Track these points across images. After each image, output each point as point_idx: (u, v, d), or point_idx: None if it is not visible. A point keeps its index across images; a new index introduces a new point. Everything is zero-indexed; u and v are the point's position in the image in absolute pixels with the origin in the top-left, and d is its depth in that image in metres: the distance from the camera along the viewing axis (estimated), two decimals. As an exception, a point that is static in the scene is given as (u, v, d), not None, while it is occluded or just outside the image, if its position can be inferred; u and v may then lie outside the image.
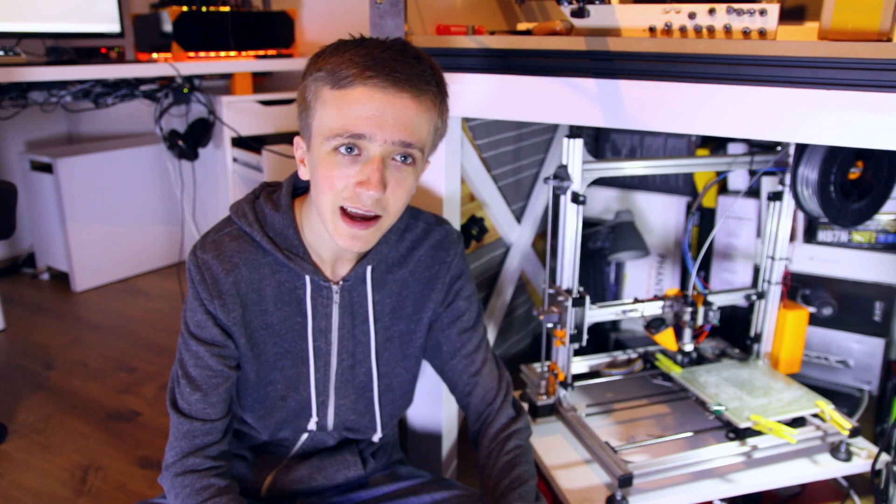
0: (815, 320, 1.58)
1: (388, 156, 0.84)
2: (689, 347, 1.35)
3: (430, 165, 0.94)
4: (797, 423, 1.23)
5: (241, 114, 2.47)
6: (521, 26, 1.35)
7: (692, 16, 0.97)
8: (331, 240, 0.89)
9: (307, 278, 0.95)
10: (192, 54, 2.34)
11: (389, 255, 1.01)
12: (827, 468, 1.21)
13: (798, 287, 1.59)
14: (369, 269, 0.99)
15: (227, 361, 0.94)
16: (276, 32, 2.53)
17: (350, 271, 0.98)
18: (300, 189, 0.98)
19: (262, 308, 0.95)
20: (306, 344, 0.98)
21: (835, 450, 1.23)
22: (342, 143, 0.82)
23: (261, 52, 2.51)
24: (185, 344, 0.93)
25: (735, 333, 1.53)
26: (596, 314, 1.28)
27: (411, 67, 0.82)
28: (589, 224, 1.81)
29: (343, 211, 0.85)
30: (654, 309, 1.33)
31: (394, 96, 0.81)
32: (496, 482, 0.98)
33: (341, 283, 0.97)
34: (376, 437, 1.08)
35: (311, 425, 1.02)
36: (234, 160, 2.48)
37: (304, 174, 0.91)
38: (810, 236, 1.58)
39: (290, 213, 0.94)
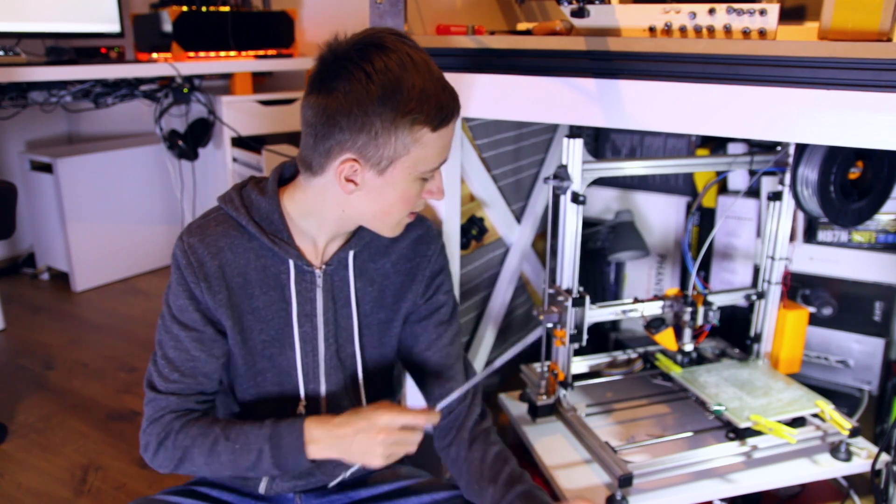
0: (815, 320, 1.58)
1: None
2: (689, 347, 1.35)
3: None
4: (797, 423, 1.23)
5: (241, 114, 2.47)
6: (521, 26, 1.35)
7: (692, 16, 0.97)
8: (323, 225, 0.95)
9: (291, 263, 0.97)
10: (192, 54, 2.34)
11: (372, 243, 1.03)
12: (827, 468, 1.21)
13: (798, 287, 1.59)
14: (351, 253, 1.01)
15: (205, 347, 0.96)
16: (276, 32, 2.53)
17: (332, 256, 1.00)
18: (286, 179, 1.00)
19: (248, 292, 0.96)
20: (292, 330, 0.99)
21: (835, 450, 1.23)
22: (433, 173, 0.92)
23: (261, 52, 2.51)
24: (166, 326, 0.96)
25: (735, 333, 1.53)
26: (596, 314, 1.28)
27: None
28: (589, 224, 1.81)
29: None
30: (654, 309, 1.33)
31: None
32: (494, 472, 0.99)
33: (324, 267, 0.99)
34: None
35: (301, 410, 1.03)
36: (234, 160, 2.48)
37: (350, 190, 0.89)
38: (810, 236, 1.58)
39: (277, 198, 0.96)
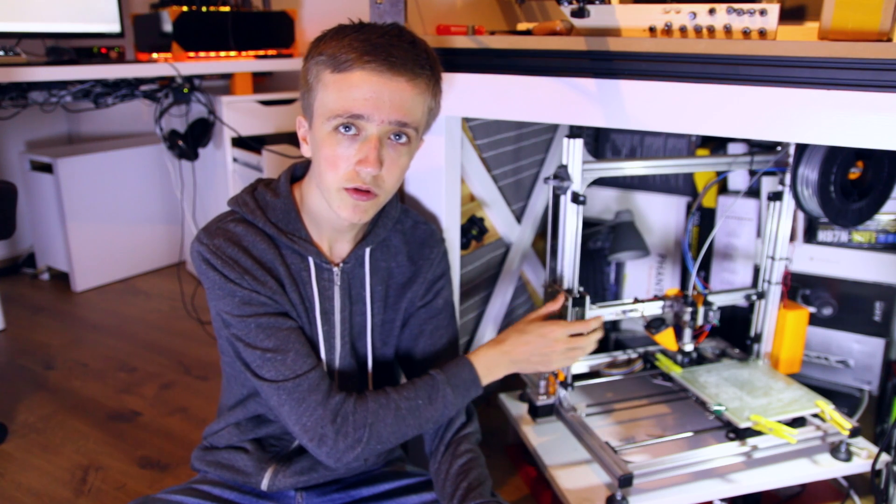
0: (815, 320, 1.58)
1: (384, 135, 0.89)
2: (689, 347, 1.35)
3: (423, 144, 1.01)
4: (797, 423, 1.23)
5: (241, 114, 2.47)
6: (521, 26, 1.35)
7: (692, 16, 0.97)
8: (331, 218, 0.95)
9: (311, 260, 0.98)
10: (192, 54, 2.33)
11: (385, 242, 1.05)
12: (827, 468, 1.21)
13: (798, 287, 1.59)
14: (368, 251, 1.02)
15: (289, 316, 0.96)
16: (276, 32, 2.53)
17: (349, 253, 1.01)
18: (296, 178, 1.02)
19: (282, 288, 0.97)
20: (316, 329, 0.99)
21: (835, 450, 1.23)
22: (342, 123, 0.88)
23: (261, 52, 2.51)
24: (242, 329, 0.93)
25: (735, 333, 1.53)
26: (596, 314, 1.28)
27: (406, 52, 0.88)
28: (589, 224, 1.81)
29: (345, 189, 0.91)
30: (654, 309, 1.33)
31: (390, 80, 0.87)
32: (453, 488, 0.98)
33: (341, 265, 1.00)
34: None
35: None
36: (234, 160, 2.48)
37: (306, 151, 0.96)
38: (810, 236, 1.58)
39: (291, 198, 0.98)
